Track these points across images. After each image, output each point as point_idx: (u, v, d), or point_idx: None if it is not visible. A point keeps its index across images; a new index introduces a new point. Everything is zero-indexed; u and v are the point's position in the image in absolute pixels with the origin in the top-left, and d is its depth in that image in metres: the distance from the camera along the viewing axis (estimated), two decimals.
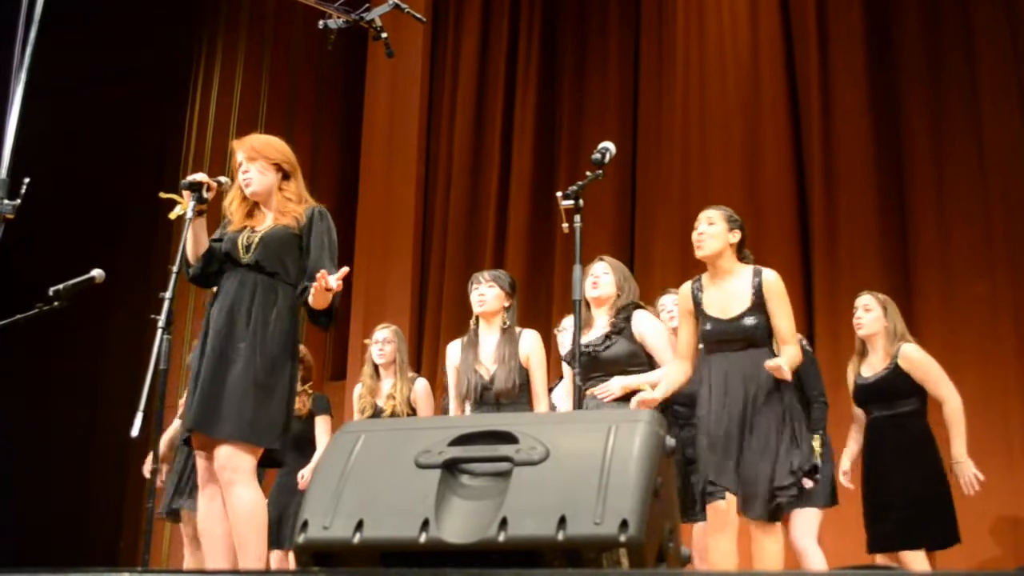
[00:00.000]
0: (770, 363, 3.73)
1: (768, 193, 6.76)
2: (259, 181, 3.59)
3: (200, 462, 3.47)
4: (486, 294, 4.57)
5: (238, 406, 3.31)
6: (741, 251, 4.04)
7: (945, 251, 6.21)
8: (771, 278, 3.95)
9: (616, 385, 4.13)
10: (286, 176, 3.64)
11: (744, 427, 3.81)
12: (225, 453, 3.32)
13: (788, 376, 3.77)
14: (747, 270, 3.99)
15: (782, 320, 3.90)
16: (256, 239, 3.52)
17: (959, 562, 5.09)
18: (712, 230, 3.98)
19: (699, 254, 4.01)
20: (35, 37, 2.67)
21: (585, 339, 4.22)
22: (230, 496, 3.33)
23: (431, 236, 8.03)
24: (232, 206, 3.65)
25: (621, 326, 4.22)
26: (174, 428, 5.58)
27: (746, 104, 7.03)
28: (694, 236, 4.02)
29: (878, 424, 4.62)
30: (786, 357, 3.80)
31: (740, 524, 3.89)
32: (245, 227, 3.58)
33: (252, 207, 3.65)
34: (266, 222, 3.59)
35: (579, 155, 7.28)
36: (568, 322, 4.53)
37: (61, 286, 3.99)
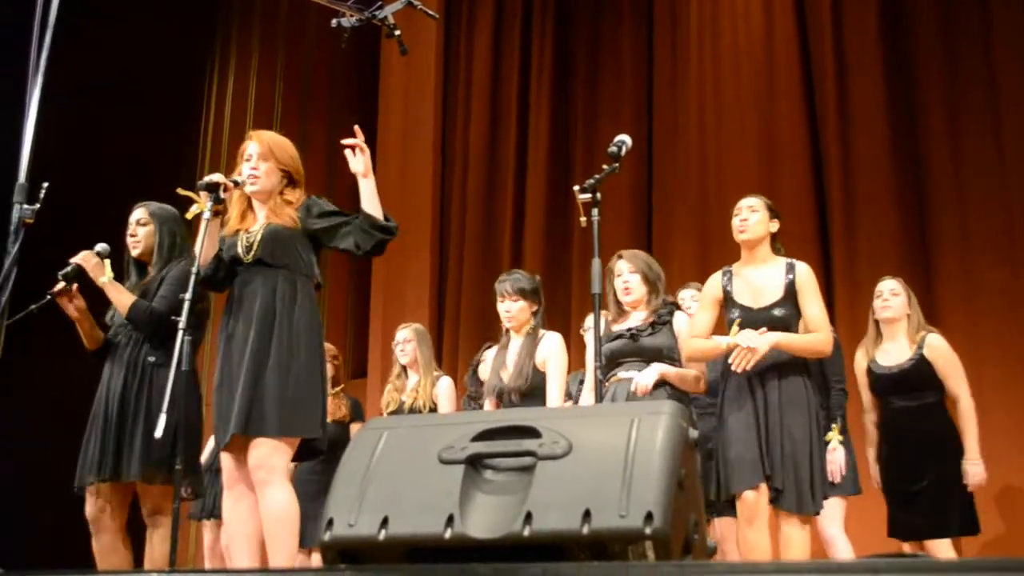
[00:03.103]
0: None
1: (785, 186, 6.72)
2: (265, 182, 3.61)
3: (228, 462, 3.46)
4: (511, 309, 4.58)
5: (278, 402, 3.33)
6: (775, 242, 4.08)
7: (965, 241, 6.17)
8: (804, 271, 3.99)
9: (654, 372, 4.09)
10: (291, 183, 3.67)
11: (774, 419, 3.81)
12: (261, 452, 3.32)
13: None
14: (781, 262, 4.03)
15: (813, 307, 3.93)
16: (256, 238, 3.53)
17: (983, 551, 5.07)
18: (756, 216, 4.04)
19: (742, 237, 4.05)
20: (50, 40, 2.67)
21: (626, 325, 4.26)
22: (263, 496, 3.33)
23: (448, 232, 8.03)
24: (231, 201, 3.65)
25: (666, 318, 4.23)
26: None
27: (761, 97, 6.99)
28: (736, 221, 4.07)
29: (901, 415, 4.58)
30: (812, 336, 3.87)
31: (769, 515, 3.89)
32: (239, 231, 3.59)
33: (247, 208, 3.67)
34: (259, 221, 3.61)
35: (594, 149, 7.26)
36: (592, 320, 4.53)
37: (68, 267, 4.03)
